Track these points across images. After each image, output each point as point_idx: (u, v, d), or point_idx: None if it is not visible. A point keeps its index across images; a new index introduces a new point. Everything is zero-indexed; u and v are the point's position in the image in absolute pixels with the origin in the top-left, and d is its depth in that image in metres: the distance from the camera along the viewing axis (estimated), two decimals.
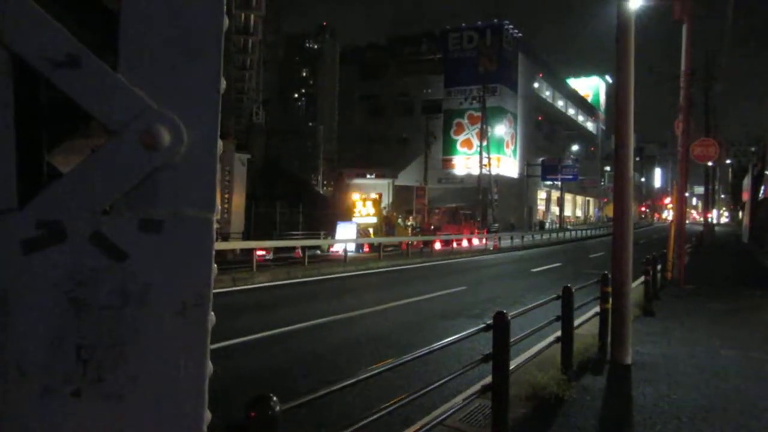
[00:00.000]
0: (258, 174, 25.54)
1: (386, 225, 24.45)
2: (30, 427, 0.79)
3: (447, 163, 51.55)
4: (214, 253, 0.87)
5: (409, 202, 34.52)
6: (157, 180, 0.84)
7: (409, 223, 28.94)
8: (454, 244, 25.00)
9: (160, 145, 0.83)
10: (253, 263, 13.97)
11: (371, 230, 23.19)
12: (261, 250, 16.37)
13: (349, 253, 18.19)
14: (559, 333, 5.57)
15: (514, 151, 53.61)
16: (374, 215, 24.24)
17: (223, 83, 0.90)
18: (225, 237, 18.56)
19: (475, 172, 43.08)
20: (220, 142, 0.90)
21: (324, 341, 7.11)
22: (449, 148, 51.82)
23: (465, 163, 50.56)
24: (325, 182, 38.65)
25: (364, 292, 11.96)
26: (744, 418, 4.40)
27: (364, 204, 24.61)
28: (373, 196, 26.14)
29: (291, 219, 23.54)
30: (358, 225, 22.13)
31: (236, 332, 7.18)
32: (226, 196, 19.37)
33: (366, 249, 21.48)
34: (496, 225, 39.08)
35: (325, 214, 24.55)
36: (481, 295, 11.59)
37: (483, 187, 40.40)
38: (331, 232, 22.23)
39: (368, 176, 32.90)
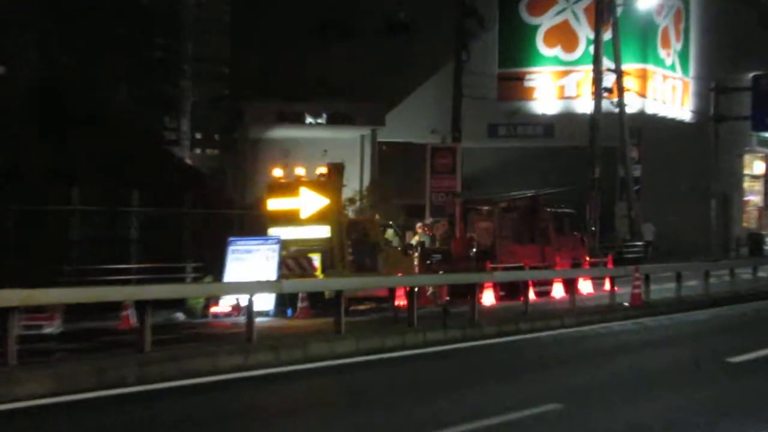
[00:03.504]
0: (22, 116, 26.40)
1: (355, 243, 24.22)
2: None
3: (511, 89, 50.67)
4: None
5: (416, 183, 33.03)
6: None
7: (415, 240, 28.67)
8: (532, 292, 24.22)
9: None
10: (8, 348, 13.21)
11: (316, 258, 23.02)
12: (33, 317, 16.81)
13: (260, 319, 18.16)
14: None
15: (683, 56, 53.20)
16: (326, 220, 23.58)
17: None
18: None
19: (581, 108, 44.00)
20: None
21: None
22: (518, 48, 51.18)
23: (556, 84, 50.00)
24: (200, 136, 36.56)
25: (294, 425, 11.59)
26: None
27: (297, 189, 23.93)
28: (322, 170, 25.09)
29: (112, 231, 23.77)
30: (286, 246, 22.35)
31: None
32: None
33: (303, 306, 21.03)
34: (640, 244, 39.68)
35: (201, 218, 25.54)
36: (600, 424, 11.37)
37: (602, 147, 40.00)
38: (214, 262, 22.52)
39: (310, 119, 33.07)
